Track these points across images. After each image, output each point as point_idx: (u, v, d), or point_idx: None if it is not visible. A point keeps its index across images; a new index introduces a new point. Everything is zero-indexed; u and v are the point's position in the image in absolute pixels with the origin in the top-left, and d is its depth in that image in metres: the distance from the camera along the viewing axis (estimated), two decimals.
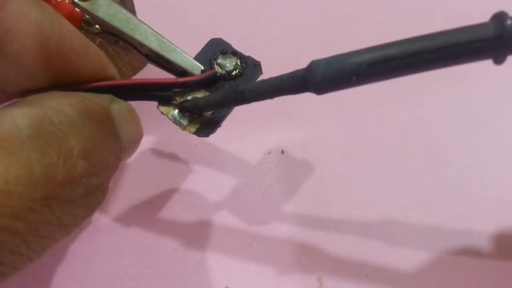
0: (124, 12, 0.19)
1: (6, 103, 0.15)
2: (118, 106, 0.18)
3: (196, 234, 0.25)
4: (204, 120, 0.19)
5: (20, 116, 0.14)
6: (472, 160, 0.28)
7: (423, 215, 0.26)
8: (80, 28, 0.22)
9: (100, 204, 0.17)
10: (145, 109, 0.21)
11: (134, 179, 0.27)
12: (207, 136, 0.19)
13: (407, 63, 0.14)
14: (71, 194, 0.15)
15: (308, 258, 0.25)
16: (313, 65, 0.15)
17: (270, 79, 0.17)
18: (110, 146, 0.17)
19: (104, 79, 0.18)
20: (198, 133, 0.19)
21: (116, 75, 0.19)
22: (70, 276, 0.24)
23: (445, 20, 0.34)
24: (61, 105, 0.16)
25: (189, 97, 0.20)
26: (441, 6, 0.36)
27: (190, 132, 0.19)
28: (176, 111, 0.19)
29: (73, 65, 0.17)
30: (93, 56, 0.18)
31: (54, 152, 0.14)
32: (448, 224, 0.26)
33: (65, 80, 0.17)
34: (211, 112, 0.20)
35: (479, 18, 0.14)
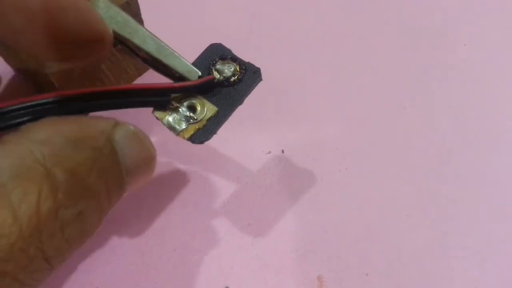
0: (123, 15, 0.19)
1: None
2: (121, 129, 0.18)
3: (196, 234, 0.25)
4: (199, 126, 0.19)
5: (0, 157, 0.14)
6: (473, 159, 0.28)
7: (423, 214, 0.26)
8: None
9: (95, 229, 0.17)
10: (143, 109, 0.20)
11: None
12: (202, 143, 0.19)
13: None
14: (55, 226, 0.15)
15: (308, 257, 0.25)
16: None
17: None
18: (105, 171, 0.17)
19: (94, 35, 0.18)
20: (192, 139, 0.19)
21: (109, 31, 0.18)
22: (70, 275, 0.24)
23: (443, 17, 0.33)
24: (48, 135, 0.15)
25: (185, 103, 0.19)
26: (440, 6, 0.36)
27: (184, 138, 0.19)
28: (171, 116, 0.19)
29: (60, 22, 0.17)
30: (82, 12, 0.17)
31: (36, 189, 0.14)
32: (448, 223, 0.26)
33: (53, 38, 0.17)
34: (207, 118, 0.19)
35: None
